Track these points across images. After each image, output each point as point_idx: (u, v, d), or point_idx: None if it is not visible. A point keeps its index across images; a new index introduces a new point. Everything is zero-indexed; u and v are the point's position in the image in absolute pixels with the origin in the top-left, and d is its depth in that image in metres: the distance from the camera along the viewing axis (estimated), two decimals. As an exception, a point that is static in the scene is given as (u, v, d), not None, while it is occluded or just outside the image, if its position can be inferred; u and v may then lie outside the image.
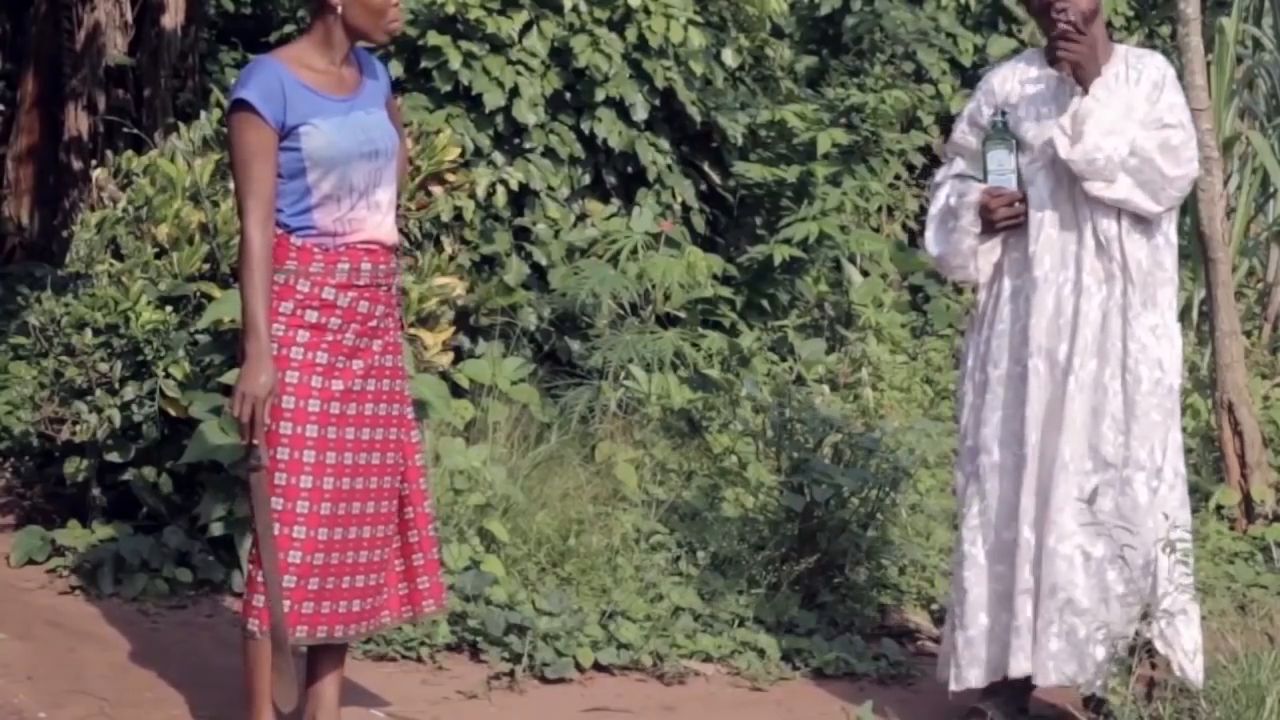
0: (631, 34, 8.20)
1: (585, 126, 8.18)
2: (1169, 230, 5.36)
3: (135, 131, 8.54)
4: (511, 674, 5.64)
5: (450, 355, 6.64)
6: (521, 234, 8.07)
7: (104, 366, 6.25)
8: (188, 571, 6.09)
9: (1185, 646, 5.16)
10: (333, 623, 4.72)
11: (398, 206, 4.99)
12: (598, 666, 5.80)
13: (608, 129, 8.15)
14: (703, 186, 8.68)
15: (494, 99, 7.89)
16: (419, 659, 5.72)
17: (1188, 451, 7.90)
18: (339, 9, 4.66)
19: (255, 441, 4.58)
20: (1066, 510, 5.18)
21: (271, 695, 4.67)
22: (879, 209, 9.46)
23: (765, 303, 8.82)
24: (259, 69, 4.67)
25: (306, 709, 4.88)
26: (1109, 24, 10.71)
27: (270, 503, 4.59)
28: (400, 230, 6.04)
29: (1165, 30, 10.72)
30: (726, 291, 8.37)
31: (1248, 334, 8.81)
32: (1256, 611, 6.53)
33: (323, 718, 4.87)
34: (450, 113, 7.90)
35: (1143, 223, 5.26)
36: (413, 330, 6.34)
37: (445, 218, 7.59)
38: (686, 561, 6.53)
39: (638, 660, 5.83)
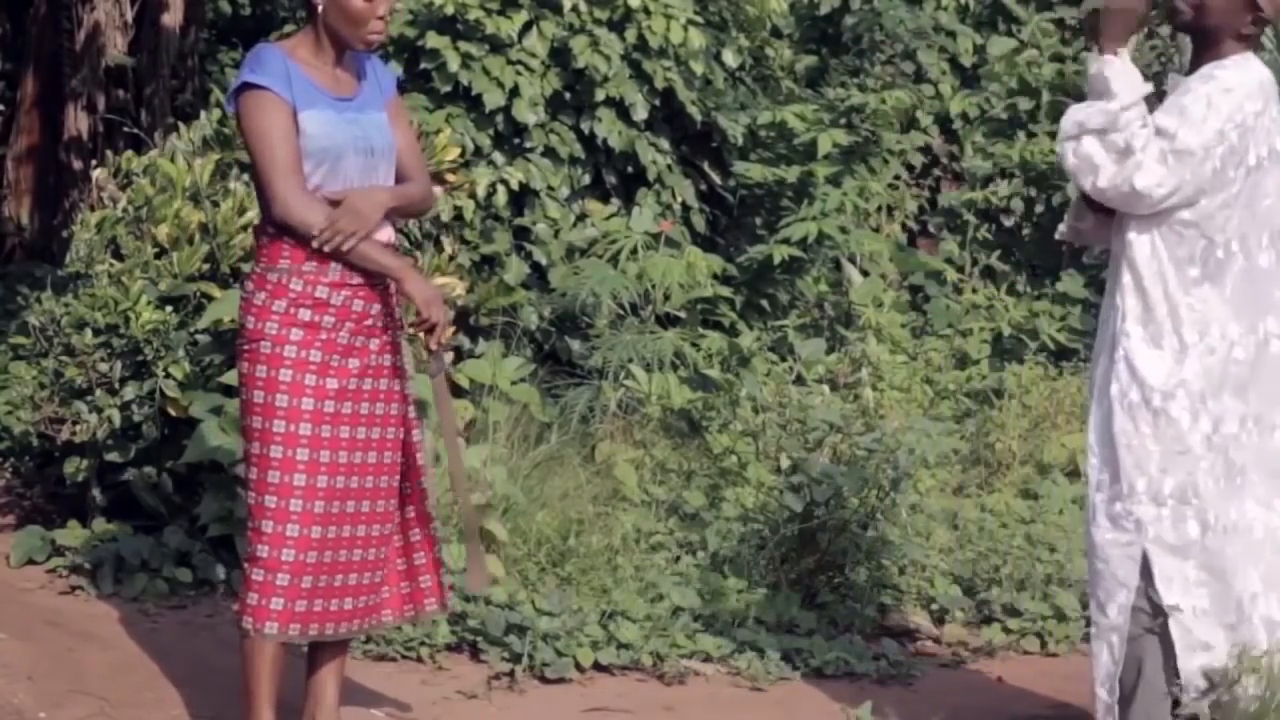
0: (631, 34, 8.21)
1: (585, 126, 8.19)
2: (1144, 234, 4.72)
3: (135, 131, 8.55)
4: (511, 674, 5.64)
5: (450, 355, 6.64)
6: (521, 234, 8.07)
7: (104, 366, 6.25)
8: (188, 571, 6.10)
9: None
10: (325, 620, 4.71)
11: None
12: (598, 666, 5.80)
13: (608, 129, 8.16)
14: (703, 186, 8.68)
15: (494, 99, 7.90)
16: (419, 659, 5.72)
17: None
18: (319, 9, 4.66)
19: (436, 346, 4.74)
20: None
21: (466, 583, 5.12)
22: (879, 209, 9.46)
23: (765, 303, 8.82)
24: (264, 54, 4.67)
25: (306, 707, 4.88)
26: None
27: (453, 404, 4.77)
28: (400, 230, 6.04)
29: (1165, 30, 10.70)
30: (726, 291, 8.37)
31: (1248, 334, 8.79)
32: (1256, 611, 6.51)
33: (322, 717, 4.87)
34: (450, 113, 7.90)
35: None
36: (412, 330, 6.33)
37: (445, 218, 7.61)
38: (686, 561, 6.53)
39: (638, 660, 5.83)
